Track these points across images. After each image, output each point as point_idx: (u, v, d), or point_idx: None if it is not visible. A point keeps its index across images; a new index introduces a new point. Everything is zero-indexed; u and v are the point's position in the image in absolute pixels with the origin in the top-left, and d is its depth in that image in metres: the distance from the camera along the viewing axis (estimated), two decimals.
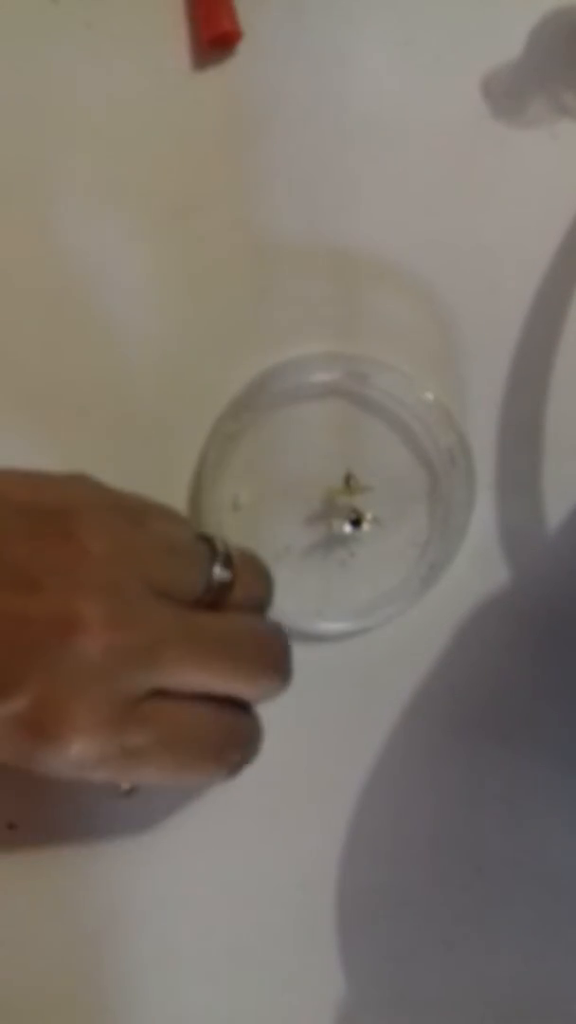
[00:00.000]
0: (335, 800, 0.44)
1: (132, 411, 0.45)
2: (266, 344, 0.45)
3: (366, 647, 0.44)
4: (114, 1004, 0.42)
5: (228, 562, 0.39)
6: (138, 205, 0.46)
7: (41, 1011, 0.42)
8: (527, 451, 0.46)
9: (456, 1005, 0.43)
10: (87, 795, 0.42)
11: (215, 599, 0.38)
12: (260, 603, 0.40)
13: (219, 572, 0.38)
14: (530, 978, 0.44)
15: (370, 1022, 0.43)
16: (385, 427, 0.46)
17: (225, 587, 0.38)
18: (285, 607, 0.42)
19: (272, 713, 0.39)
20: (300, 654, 0.40)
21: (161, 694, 0.37)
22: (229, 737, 0.38)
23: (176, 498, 0.44)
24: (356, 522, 0.44)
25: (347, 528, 0.44)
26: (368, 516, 0.44)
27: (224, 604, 0.38)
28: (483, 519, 0.45)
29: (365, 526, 0.44)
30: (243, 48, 0.47)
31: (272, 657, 0.39)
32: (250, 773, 0.39)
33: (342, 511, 0.44)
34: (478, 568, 0.45)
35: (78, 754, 0.35)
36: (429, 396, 0.45)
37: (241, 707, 0.39)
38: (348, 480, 0.45)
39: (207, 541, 0.39)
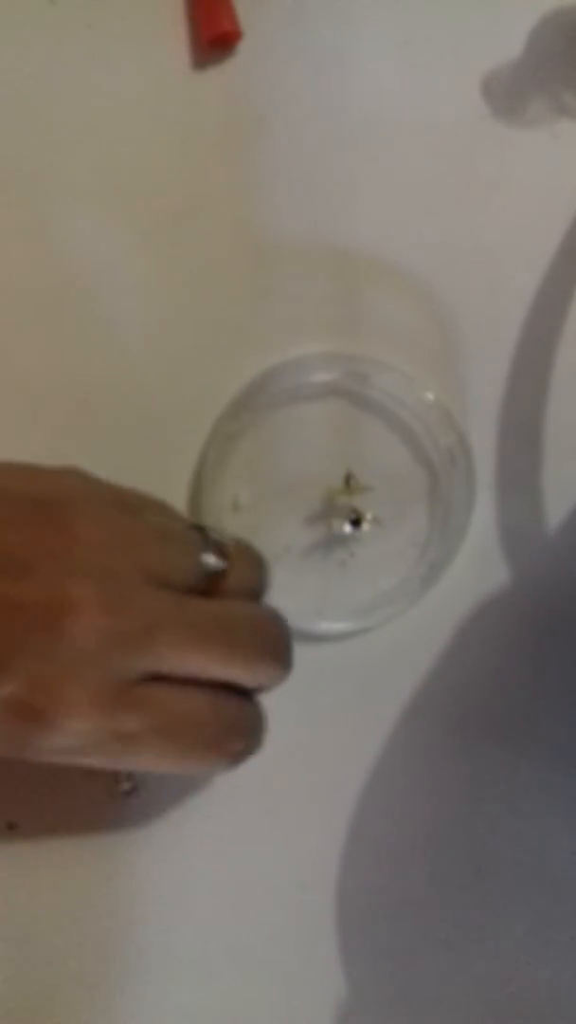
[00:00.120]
0: (335, 800, 0.44)
1: (132, 411, 0.45)
2: (266, 344, 0.45)
3: (366, 647, 0.44)
4: (114, 1003, 0.42)
5: (221, 549, 0.39)
6: (138, 205, 0.46)
7: (41, 1010, 0.42)
8: (527, 451, 0.46)
9: (456, 1005, 0.43)
10: (87, 795, 0.42)
11: (209, 586, 0.38)
12: (255, 591, 0.40)
13: (213, 559, 0.38)
14: (530, 978, 0.44)
15: (370, 1022, 0.43)
16: (385, 427, 0.46)
17: (219, 574, 0.38)
18: (285, 607, 0.42)
19: (272, 713, 0.39)
20: (300, 654, 0.40)
21: (157, 680, 0.36)
22: (229, 725, 0.38)
23: (176, 498, 0.44)
24: (356, 522, 0.44)
25: (347, 528, 0.44)
26: (368, 516, 0.44)
27: (218, 592, 0.38)
28: (483, 519, 0.45)
29: (365, 526, 0.44)
30: (243, 48, 0.47)
31: (270, 643, 0.39)
32: (250, 773, 0.39)
33: (342, 511, 0.44)
34: (478, 568, 0.45)
35: (70, 737, 0.35)
36: (429, 396, 0.45)
37: (243, 697, 0.39)
38: (348, 480, 0.45)
39: (200, 530, 0.39)
